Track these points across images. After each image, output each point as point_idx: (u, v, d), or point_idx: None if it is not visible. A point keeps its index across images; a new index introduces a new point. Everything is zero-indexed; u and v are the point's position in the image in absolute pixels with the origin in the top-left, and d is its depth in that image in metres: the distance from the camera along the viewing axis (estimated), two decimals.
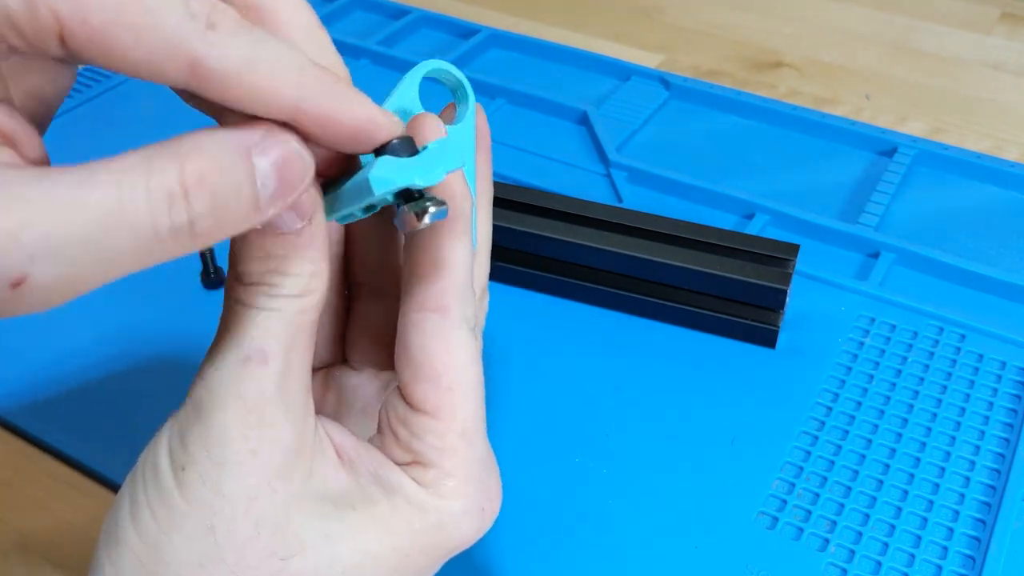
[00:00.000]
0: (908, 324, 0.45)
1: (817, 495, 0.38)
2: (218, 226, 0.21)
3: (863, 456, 0.39)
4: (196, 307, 0.46)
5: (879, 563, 0.35)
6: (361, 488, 0.25)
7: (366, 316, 0.30)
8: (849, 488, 0.38)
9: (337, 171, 0.24)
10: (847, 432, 0.40)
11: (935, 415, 0.41)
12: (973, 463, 0.39)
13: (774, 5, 0.74)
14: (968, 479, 0.38)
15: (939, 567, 0.35)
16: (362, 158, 0.24)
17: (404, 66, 0.63)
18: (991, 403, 0.42)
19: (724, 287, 0.44)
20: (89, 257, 0.19)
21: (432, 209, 0.23)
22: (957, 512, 0.37)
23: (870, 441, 0.40)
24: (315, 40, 0.24)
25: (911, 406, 0.42)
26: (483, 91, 0.61)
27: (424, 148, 0.23)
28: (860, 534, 0.37)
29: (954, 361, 0.44)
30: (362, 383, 0.30)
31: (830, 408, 0.41)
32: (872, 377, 0.43)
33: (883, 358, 0.44)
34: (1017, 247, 0.50)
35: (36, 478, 0.39)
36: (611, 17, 0.73)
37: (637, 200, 0.53)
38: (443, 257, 0.25)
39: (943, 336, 0.45)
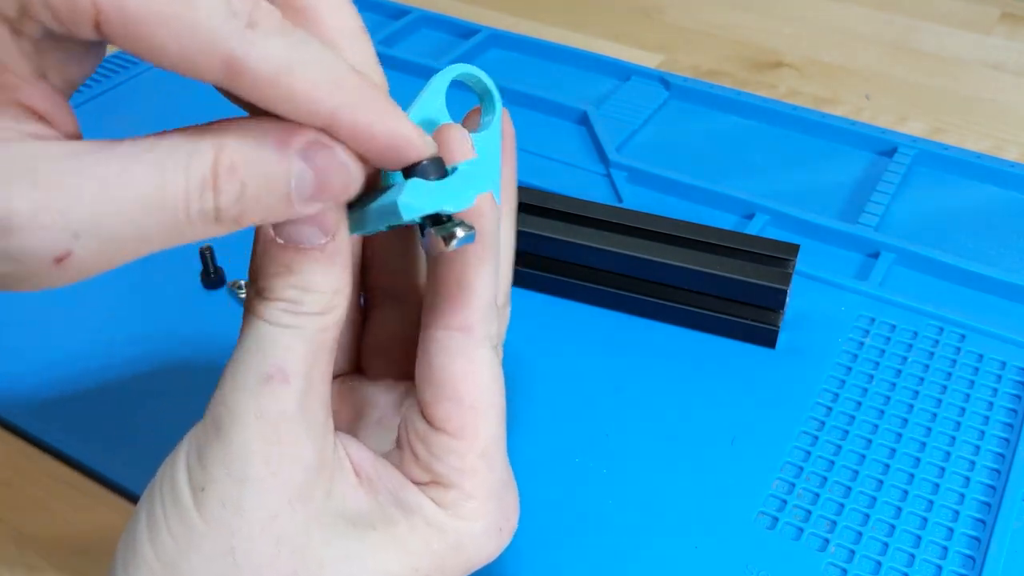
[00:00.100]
0: (908, 324, 0.45)
1: (817, 495, 0.38)
2: (243, 215, 0.21)
3: (863, 456, 0.39)
4: (196, 307, 0.46)
5: (879, 563, 0.35)
6: (380, 507, 0.25)
7: (383, 324, 0.29)
8: (849, 488, 0.38)
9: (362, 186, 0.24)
10: (847, 432, 0.40)
11: (935, 415, 0.41)
12: (973, 463, 0.39)
13: (774, 5, 0.74)
14: (968, 479, 0.38)
15: (939, 567, 0.35)
16: (388, 174, 0.24)
17: (404, 66, 0.63)
18: (991, 403, 0.42)
19: (724, 287, 0.44)
20: (128, 235, 0.19)
21: (460, 234, 0.22)
22: (957, 512, 0.37)
23: (870, 441, 0.40)
24: (358, 47, 0.23)
25: (911, 406, 0.42)
26: None
27: (454, 169, 0.23)
28: (860, 534, 0.37)
29: (954, 361, 0.44)
30: (378, 393, 0.29)
31: (830, 408, 0.41)
32: (872, 377, 0.43)
33: (883, 358, 0.44)
34: (1017, 247, 0.50)
35: (36, 478, 0.39)
36: (611, 17, 0.73)
37: (637, 200, 0.53)
38: (469, 276, 0.25)
39: (943, 336, 0.45)
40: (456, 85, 0.27)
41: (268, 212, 0.21)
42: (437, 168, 0.22)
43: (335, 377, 0.30)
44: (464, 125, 0.27)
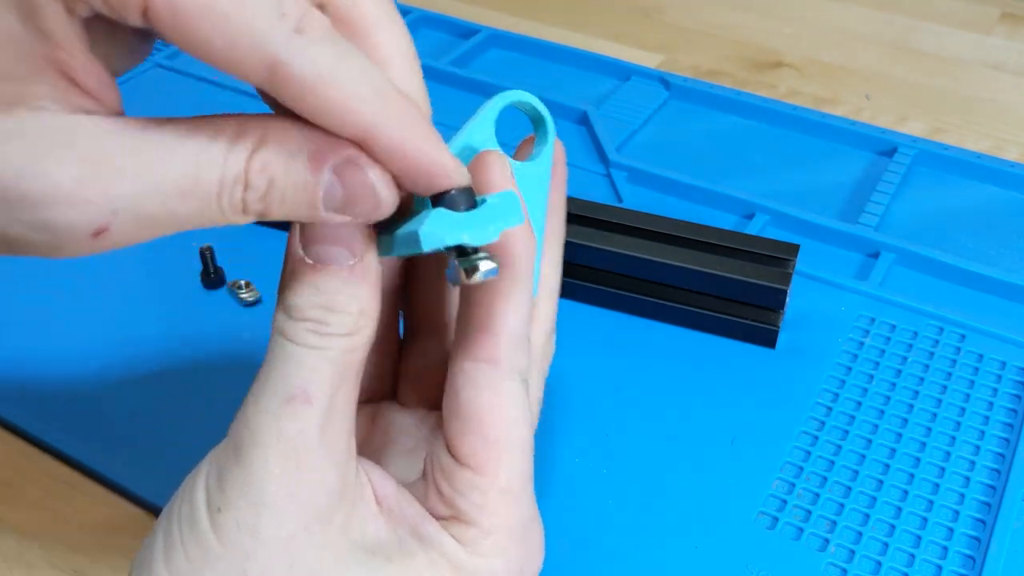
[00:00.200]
0: (908, 324, 0.45)
1: (817, 495, 0.38)
2: (268, 211, 0.21)
3: (863, 456, 0.39)
4: (196, 307, 0.46)
5: (879, 563, 0.35)
6: (399, 539, 0.24)
7: (421, 354, 0.29)
8: (849, 488, 0.38)
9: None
10: (847, 432, 0.40)
11: (935, 415, 0.41)
12: (973, 463, 0.39)
13: (774, 5, 0.74)
14: (968, 479, 0.38)
15: (939, 567, 0.35)
16: (420, 200, 0.24)
17: None
18: (991, 403, 0.42)
19: (724, 287, 0.44)
20: (162, 216, 0.20)
21: (483, 267, 0.22)
22: (957, 512, 0.37)
23: (870, 441, 0.40)
24: (407, 70, 0.23)
25: (911, 406, 0.42)
26: (483, 91, 0.61)
27: (483, 201, 0.22)
28: (860, 534, 0.37)
29: (954, 361, 0.44)
30: (412, 423, 0.29)
31: (830, 408, 0.41)
32: (872, 377, 0.43)
33: (883, 358, 0.44)
34: (1017, 247, 0.50)
35: (36, 478, 0.39)
36: (611, 17, 0.73)
37: (637, 200, 0.53)
38: (497, 308, 0.24)
39: (943, 336, 0.45)
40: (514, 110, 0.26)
41: (293, 214, 0.21)
42: (466, 199, 0.22)
43: (370, 402, 0.29)
44: (517, 153, 0.27)
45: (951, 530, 0.37)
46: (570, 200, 0.47)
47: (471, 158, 0.24)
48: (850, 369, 0.43)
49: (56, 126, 0.19)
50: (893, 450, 0.40)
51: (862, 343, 0.44)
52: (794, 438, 0.40)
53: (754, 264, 0.44)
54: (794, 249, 0.44)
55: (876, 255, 0.49)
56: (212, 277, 0.47)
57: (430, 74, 0.26)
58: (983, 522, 0.37)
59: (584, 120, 0.59)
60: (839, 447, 0.40)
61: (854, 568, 0.35)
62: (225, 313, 0.46)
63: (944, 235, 0.51)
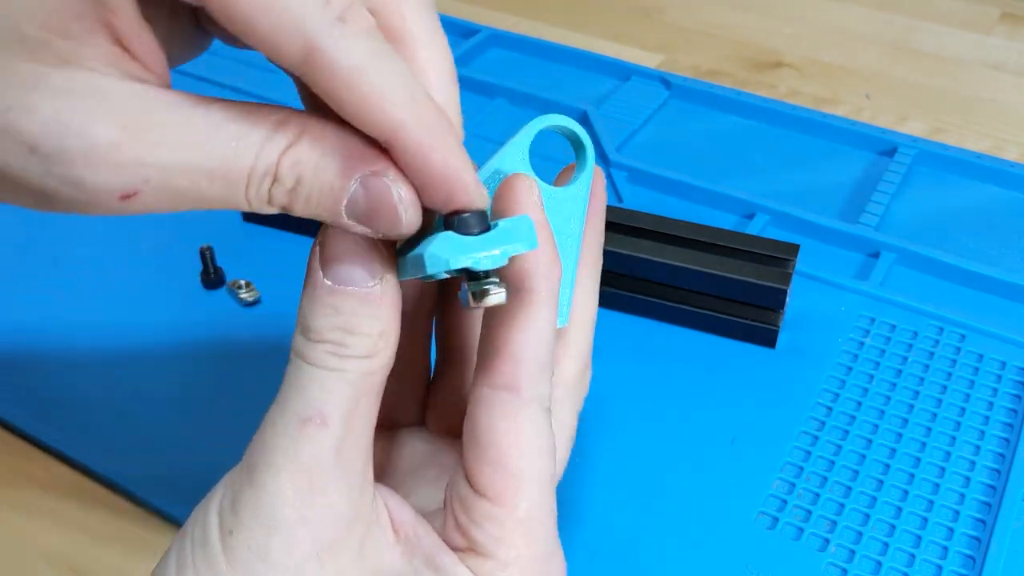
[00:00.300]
0: (908, 324, 0.45)
1: (817, 495, 0.38)
2: (292, 206, 0.21)
3: (863, 456, 0.39)
4: (196, 307, 0.46)
5: (879, 563, 0.35)
6: (414, 570, 0.24)
7: (450, 382, 0.29)
8: (849, 488, 0.38)
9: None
10: (847, 432, 0.40)
11: (935, 415, 0.41)
12: (973, 463, 0.39)
13: (774, 5, 0.74)
14: (968, 479, 0.38)
15: (939, 567, 0.35)
16: (438, 223, 0.23)
17: None
18: (991, 403, 0.42)
19: (724, 287, 0.44)
20: (190, 192, 0.20)
21: (491, 292, 0.22)
22: (957, 512, 0.37)
23: (870, 441, 0.40)
24: (444, 85, 0.23)
25: (911, 406, 0.42)
26: (483, 91, 0.61)
27: (495, 225, 0.22)
28: (860, 534, 0.37)
29: (954, 361, 0.44)
30: (438, 451, 0.29)
31: (830, 408, 0.41)
32: (872, 377, 0.43)
33: (883, 358, 0.44)
34: (1017, 247, 0.50)
35: (36, 478, 0.39)
36: (611, 17, 0.73)
37: (637, 200, 0.53)
38: (517, 333, 0.23)
39: (943, 336, 0.45)
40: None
41: (316, 214, 0.21)
42: (479, 222, 0.22)
43: (397, 428, 0.29)
44: (558, 180, 0.26)
45: (951, 530, 0.37)
46: None
47: (499, 182, 0.24)
48: (850, 369, 0.43)
49: (103, 88, 0.19)
50: (893, 450, 0.40)
51: (862, 343, 0.44)
52: (794, 438, 0.40)
53: (754, 264, 0.44)
54: (794, 249, 0.44)
55: (876, 255, 0.49)
56: (212, 277, 0.47)
57: None
58: (983, 522, 0.37)
59: (584, 120, 0.59)
60: (839, 447, 0.40)
61: (854, 568, 0.35)
62: (225, 313, 0.46)
63: (944, 235, 0.51)
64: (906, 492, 0.38)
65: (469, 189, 0.22)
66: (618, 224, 0.46)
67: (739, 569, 0.35)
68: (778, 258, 0.44)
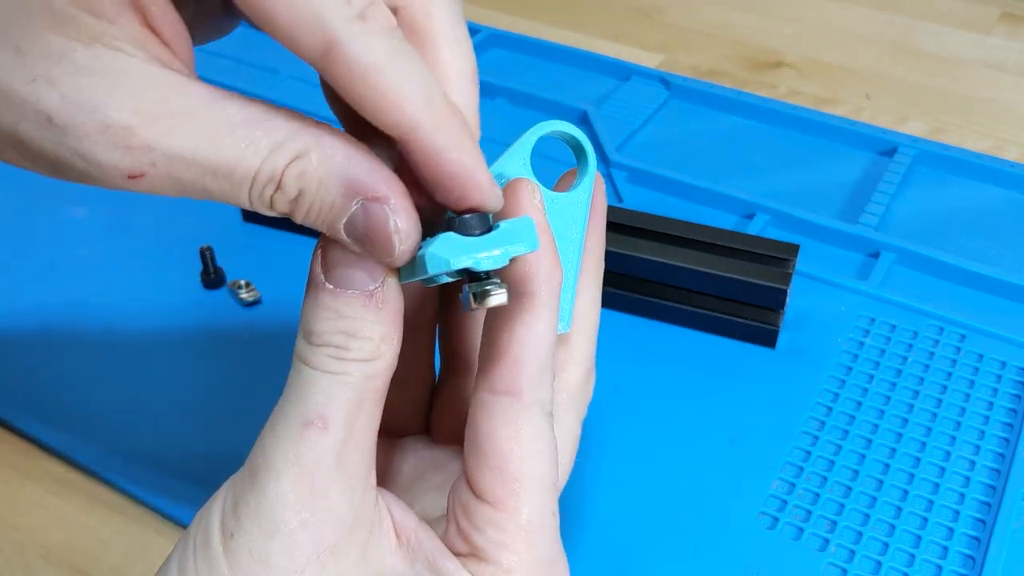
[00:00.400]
0: (908, 324, 0.45)
1: (817, 495, 0.38)
2: (294, 214, 0.21)
3: (863, 456, 0.39)
4: (196, 307, 0.46)
5: (879, 563, 0.35)
6: (416, 574, 0.24)
7: (455, 389, 0.29)
8: (849, 488, 0.38)
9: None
10: (847, 432, 0.40)
11: (935, 415, 0.41)
12: (973, 463, 0.39)
13: (774, 5, 0.74)
14: (968, 479, 0.38)
15: (939, 567, 0.35)
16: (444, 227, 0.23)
17: None
18: (991, 403, 0.42)
19: (724, 287, 0.44)
20: (195, 184, 0.21)
21: (492, 293, 0.22)
22: (957, 512, 0.37)
23: (870, 441, 0.40)
24: (465, 89, 0.24)
25: (911, 406, 0.42)
26: (483, 91, 0.61)
27: (496, 226, 0.22)
28: (860, 534, 0.37)
29: (954, 361, 0.44)
30: (442, 458, 0.29)
31: (830, 408, 0.41)
32: (872, 377, 0.43)
33: (883, 358, 0.44)
34: (1017, 247, 0.50)
35: (36, 478, 0.39)
36: (611, 17, 0.73)
37: (637, 200, 0.53)
38: (517, 337, 0.23)
39: (943, 336, 0.45)
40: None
41: (315, 225, 0.22)
42: (480, 223, 0.22)
43: (403, 436, 0.29)
44: (558, 185, 0.26)
45: (951, 530, 0.37)
46: None
47: (501, 186, 0.24)
48: (850, 369, 0.43)
49: (126, 69, 0.20)
50: (893, 450, 0.40)
51: (862, 343, 0.44)
52: (794, 438, 0.40)
53: (754, 264, 0.44)
54: (794, 249, 0.44)
55: (876, 255, 0.49)
56: (212, 277, 0.47)
57: None
58: (983, 522, 0.37)
59: (584, 120, 0.59)
60: (839, 447, 0.40)
61: (854, 568, 0.35)
62: (225, 313, 0.46)
63: (944, 235, 0.51)
64: (906, 492, 0.38)
65: (483, 188, 0.22)
66: (618, 224, 0.46)
67: (739, 569, 0.35)
68: (778, 258, 0.44)
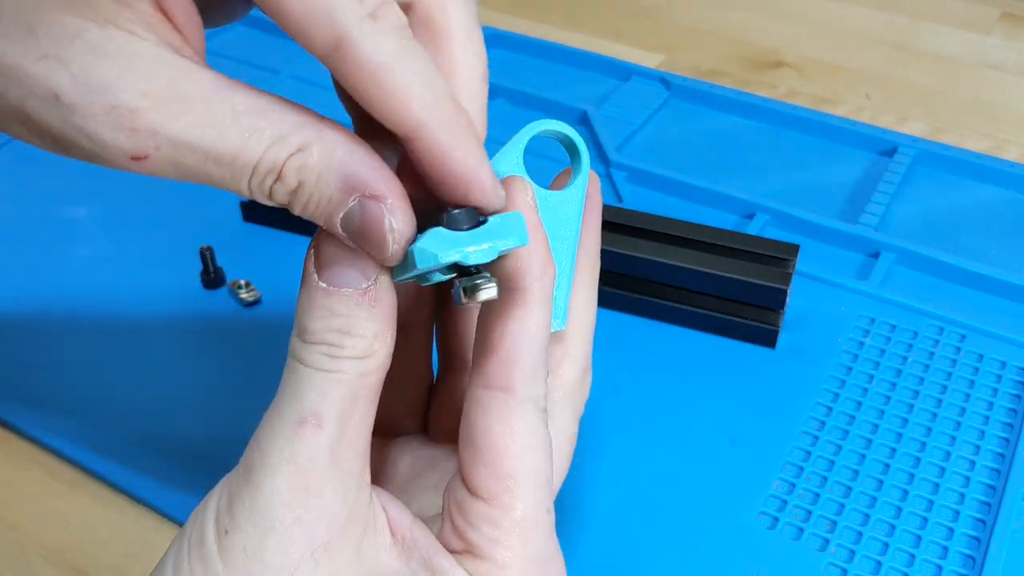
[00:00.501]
0: (908, 324, 0.45)
1: (817, 495, 0.38)
2: (292, 205, 0.22)
3: (863, 456, 0.39)
4: (196, 307, 0.46)
5: (879, 563, 0.35)
6: (411, 571, 0.24)
7: (451, 389, 0.29)
8: (849, 488, 0.38)
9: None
10: (847, 432, 0.40)
11: (935, 415, 0.41)
12: (973, 463, 0.39)
13: (774, 5, 0.74)
14: (968, 479, 0.38)
15: (939, 567, 0.35)
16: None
17: None
18: (991, 403, 0.42)
19: (724, 287, 0.44)
20: (197, 170, 0.21)
21: (483, 287, 0.22)
22: (957, 512, 0.37)
23: (870, 441, 0.40)
24: (473, 89, 0.24)
25: (911, 406, 0.42)
26: None
27: (484, 221, 0.22)
28: (860, 534, 0.37)
29: (954, 361, 0.44)
30: (439, 457, 0.29)
31: (830, 408, 0.41)
32: (872, 377, 0.43)
33: (883, 358, 0.44)
34: (1017, 247, 0.50)
35: (36, 478, 0.39)
36: (611, 17, 0.73)
37: (637, 200, 0.53)
38: (510, 333, 0.23)
39: (943, 336, 0.45)
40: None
41: (312, 218, 0.22)
42: (469, 219, 0.22)
43: (400, 435, 0.29)
44: (553, 184, 0.27)
45: (951, 530, 0.37)
46: None
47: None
48: (850, 369, 0.43)
49: (137, 52, 0.20)
50: (893, 450, 0.40)
51: (862, 343, 0.44)
52: (794, 438, 0.40)
53: (754, 264, 0.44)
54: (794, 249, 0.44)
55: (876, 255, 0.49)
56: (212, 277, 0.47)
57: None
58: (983, 522, 0.37)
59: (584, 120, 0.59)
60: (839, 447, 0.40)
61: (854, 568, 0.35)
62: (225, 313, 0.46)
63: (944, 235, 0.51)
64: (906, 492, 0.38)
65: (485, 187, 0.22)
66: (618, 224, 0.46)
67: (739, 569, 0.35)
68: (778, 258, 0.44)
